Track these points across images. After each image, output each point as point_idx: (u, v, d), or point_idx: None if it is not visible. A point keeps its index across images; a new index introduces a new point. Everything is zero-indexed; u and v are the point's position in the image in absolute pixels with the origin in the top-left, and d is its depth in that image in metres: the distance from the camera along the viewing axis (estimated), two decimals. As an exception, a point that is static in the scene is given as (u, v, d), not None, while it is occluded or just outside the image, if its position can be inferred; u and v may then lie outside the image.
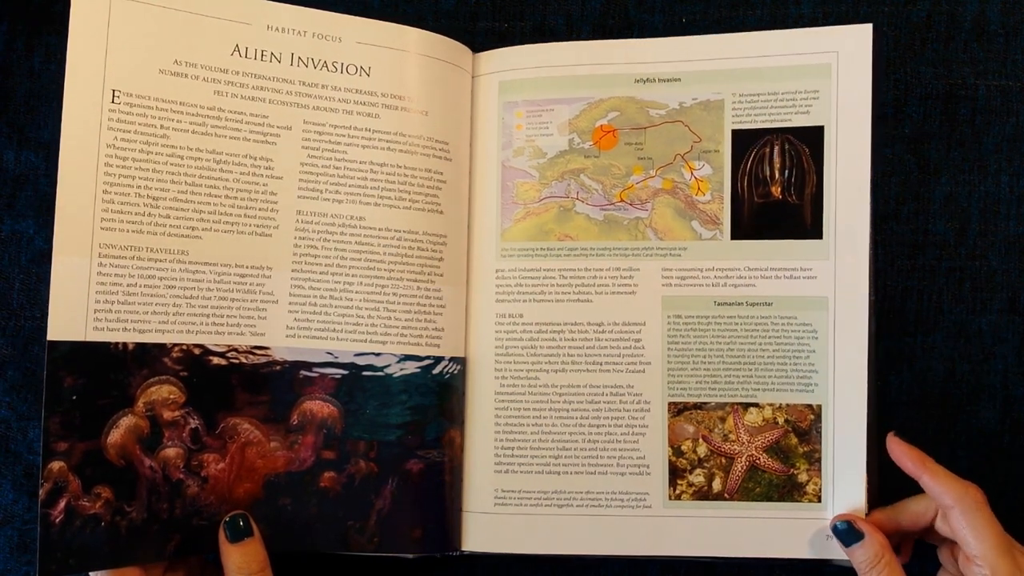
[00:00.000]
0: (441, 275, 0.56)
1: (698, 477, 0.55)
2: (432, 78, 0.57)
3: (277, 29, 0.55)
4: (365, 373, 0.54)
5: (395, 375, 0.55)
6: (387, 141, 0.56)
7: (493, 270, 0.57)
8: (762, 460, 0.55)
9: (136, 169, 0.51)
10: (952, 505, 0.48)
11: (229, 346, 0.53)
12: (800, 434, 0.55)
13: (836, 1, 0.60)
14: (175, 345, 0.51)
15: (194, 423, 0.52)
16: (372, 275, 0.55)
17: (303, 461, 0.53)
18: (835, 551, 0.53)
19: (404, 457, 0.54)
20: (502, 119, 0.58)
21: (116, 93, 0.51)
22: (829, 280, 0.55)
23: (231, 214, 0.53)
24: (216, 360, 0.52)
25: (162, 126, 0.52)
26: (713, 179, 0.56)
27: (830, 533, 0.53)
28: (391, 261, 0.55)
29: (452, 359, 0.56)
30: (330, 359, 0.54)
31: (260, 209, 0.54)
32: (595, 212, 0.57)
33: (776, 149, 0.56)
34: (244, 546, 0.50)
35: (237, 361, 0.53)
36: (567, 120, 0.57)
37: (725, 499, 0.55)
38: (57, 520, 0.48)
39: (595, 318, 0.56)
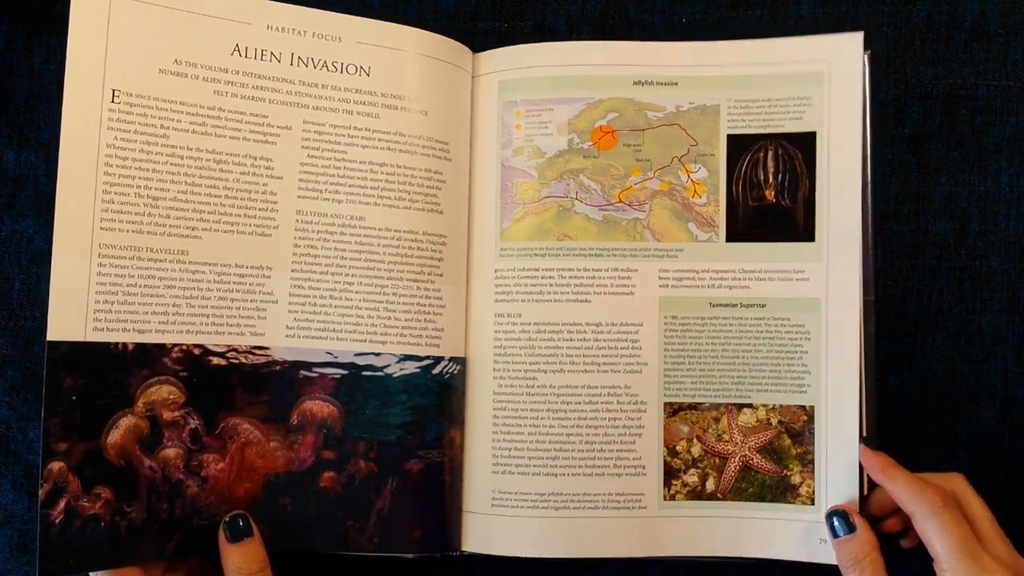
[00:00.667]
0: (441, 275, 0.56)
1: (692, 477, 0.55)
2: (432, 78, 0.57)
3: (277, 29, 0.55)
4: (365, 373, 0.54)
5: (395, 375, 0.55)
6: (387, 141, 0.56)
7: (492, 270, 0.57)
8: (755, 461, 0.55)
9: (136, 169, 0.51)
10: (912, 510, 0.48)
11: (229, 346, 0.53)
12: (793, 435, 0.55)
13: (836, 1, 0.60)
14: (175, 345, 0.51)
15: (194, 423, 0.52)
16: (372, 275, 0.55)
17: (303, 461, 0.53)
18: (827, 555, 0.53)
19: (404, 457, 0.54)
20: (501, 119, 0.58)
21: (116, 93, 0.51)
22: (821, 282, 0.55)
23: (231, 214, 0.53)
24: (216, 360, 0.52)
25: (162, 126, 0.52)
26: (709, 182, 0.57)
27: (823, 537, 0.53)
28: (391, 261, 0.55)
29: (452, 359, 0.56)
30: (330, 359, 0.54)
31: (260, 209, 0.54)
32: (594, 212, 0.57)
33: (770, 154, 0.56)
34: (244, 546, 0.50)
35: (237, 361, 0.53)
36: (566, 120, 0.57)
37: (718, 499, 0.55)
38: (57, 520, 0.48)
39: (593, 318, 0.56)
